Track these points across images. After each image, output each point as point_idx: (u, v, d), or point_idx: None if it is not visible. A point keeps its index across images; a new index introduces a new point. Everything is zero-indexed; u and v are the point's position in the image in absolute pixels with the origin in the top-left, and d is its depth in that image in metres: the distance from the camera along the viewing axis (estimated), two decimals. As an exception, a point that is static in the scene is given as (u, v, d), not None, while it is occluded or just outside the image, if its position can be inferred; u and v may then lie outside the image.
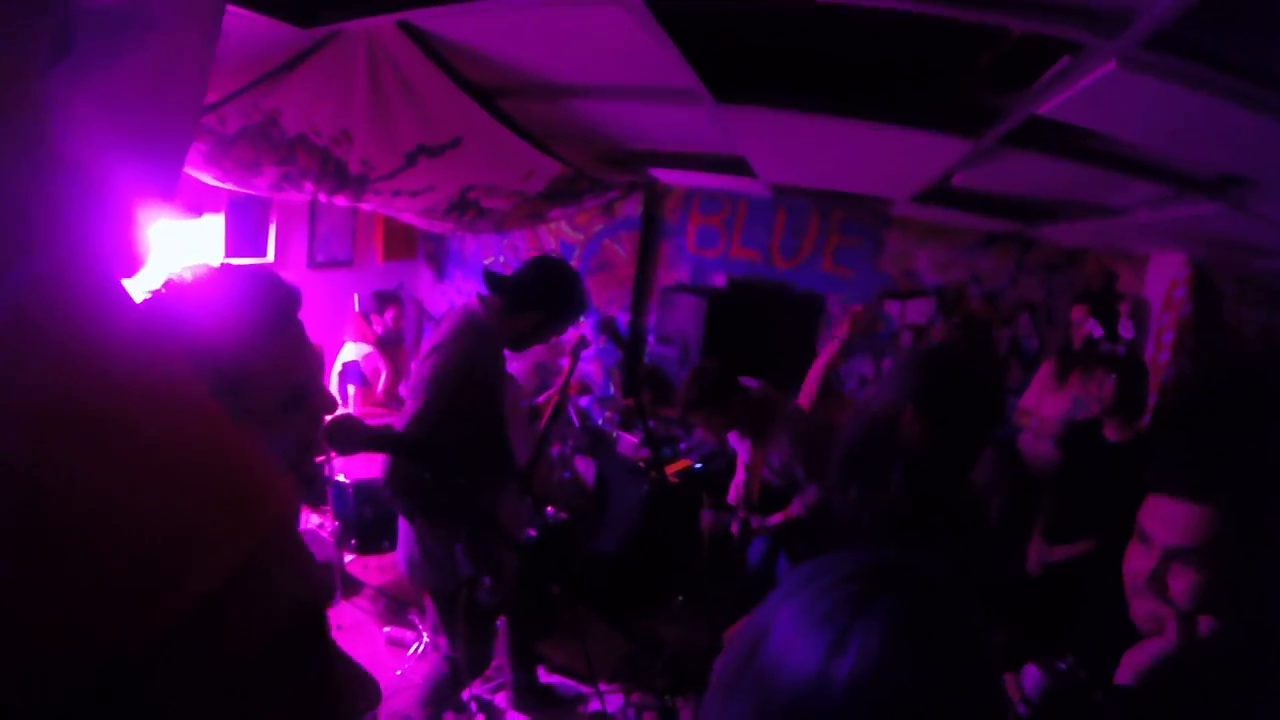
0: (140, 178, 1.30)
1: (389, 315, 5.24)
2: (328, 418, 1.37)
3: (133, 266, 1.32)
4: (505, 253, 6.56)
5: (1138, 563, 1.29)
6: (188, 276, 1.21)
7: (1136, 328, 4.26)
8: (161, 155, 1.36)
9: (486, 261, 6.31)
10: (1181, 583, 1.20)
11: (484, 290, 2.69)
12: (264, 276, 1.26)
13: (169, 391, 0.80)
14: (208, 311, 1.16)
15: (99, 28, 1.14)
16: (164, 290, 1.18)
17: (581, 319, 2.69)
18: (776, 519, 3.54)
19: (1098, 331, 3.96)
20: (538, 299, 2.66)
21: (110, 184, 1.24)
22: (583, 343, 3.10)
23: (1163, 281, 4.23)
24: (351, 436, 1.61)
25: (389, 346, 5.19)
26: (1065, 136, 2.58)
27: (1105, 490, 3.38)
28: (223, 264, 1.29)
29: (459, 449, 2.49)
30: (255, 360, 1.15)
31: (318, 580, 0.97)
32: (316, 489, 3.98)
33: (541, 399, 3.05)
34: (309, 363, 1.26)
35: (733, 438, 3.68)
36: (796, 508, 3.42)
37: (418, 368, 2.62)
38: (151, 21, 1.19)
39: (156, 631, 0.57)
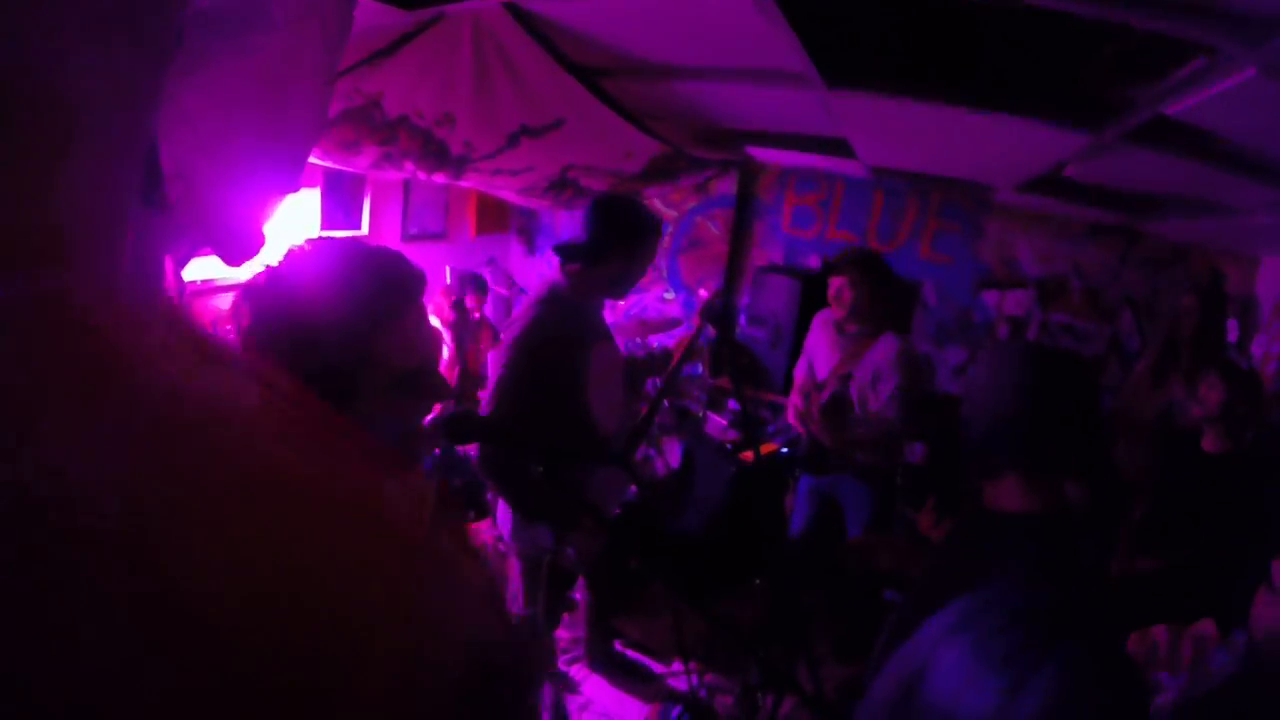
0: (263, 172, 1.29)
1: (468, 300, 5.15)
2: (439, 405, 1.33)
3: (251, 252, 1.31)
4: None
5: (1268, 613, 1.16)
6: (301, 250, 1.15)
7: (1243, 329, 3.98)
8: (284, 150, 1.35)
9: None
10: None
11: (563, 263, 2.54)
12: (381, 254, 1.18)
13: (271, 414, 0.73)
14: (317, 288, 1.11)
15: (212, 28, 1.12)
16: (279, 265, 1.13)
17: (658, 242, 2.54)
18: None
19: (1233, 335, 3.67)
20: (615, 242, 2.47)
21: (224, 179, 1.23)
22: (713, 304, 2.86)
23: (1273, 285, 3.94)
24: (468, 429, 1.60)
25: (461, 329, 5.10)
26: (1188, 134, 2.42)
27: (1197, 504, 3.18)
28: (345, 239, 1.20)
29: (547, 433, 2.43)
30: (362, 340, 1.09)
31: (484, 598, 0.90)
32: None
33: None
34: (423, 347, 1.19)
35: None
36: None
37: (502, 351, 2.51)
38: (267, 21, 1.16)
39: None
